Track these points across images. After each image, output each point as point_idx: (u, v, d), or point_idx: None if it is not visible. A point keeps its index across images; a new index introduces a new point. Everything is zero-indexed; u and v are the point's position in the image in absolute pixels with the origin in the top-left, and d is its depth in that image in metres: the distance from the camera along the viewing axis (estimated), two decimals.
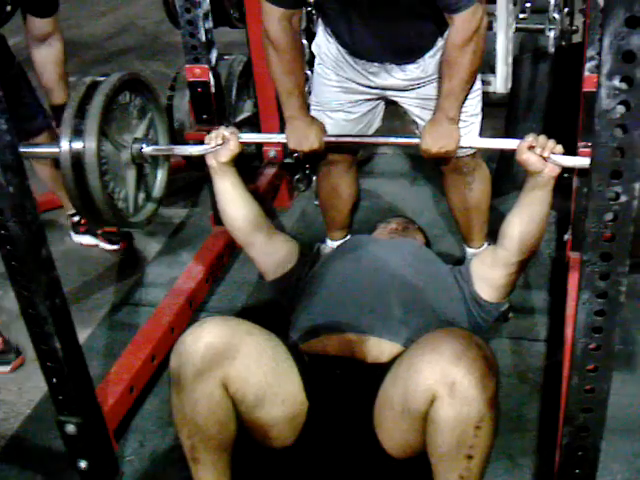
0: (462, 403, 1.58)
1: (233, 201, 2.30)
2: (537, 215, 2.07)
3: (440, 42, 2.36)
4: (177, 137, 3.29)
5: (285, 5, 2.29)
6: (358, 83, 2.51)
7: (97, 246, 3.28)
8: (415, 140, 2.27)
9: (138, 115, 2.36)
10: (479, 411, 1.59)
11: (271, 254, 2.33)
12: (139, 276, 3.10)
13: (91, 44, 6.25)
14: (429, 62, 2.41)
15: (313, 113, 2.60)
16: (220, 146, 2.25)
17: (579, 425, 1.64)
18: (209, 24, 2.66)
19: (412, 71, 2.43)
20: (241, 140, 2.27)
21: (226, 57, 3.30)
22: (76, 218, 3.27)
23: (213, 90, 2.76)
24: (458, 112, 2.31)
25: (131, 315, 2.84)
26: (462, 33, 2.18)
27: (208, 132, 2.69)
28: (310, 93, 2.70)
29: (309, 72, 2.82)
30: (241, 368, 1.75)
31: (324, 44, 2.53)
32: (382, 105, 2.64)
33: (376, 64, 2.43)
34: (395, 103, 2.60)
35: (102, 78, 2.20)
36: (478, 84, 2.46)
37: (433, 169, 3.66)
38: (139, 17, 6.73)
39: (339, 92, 2.56)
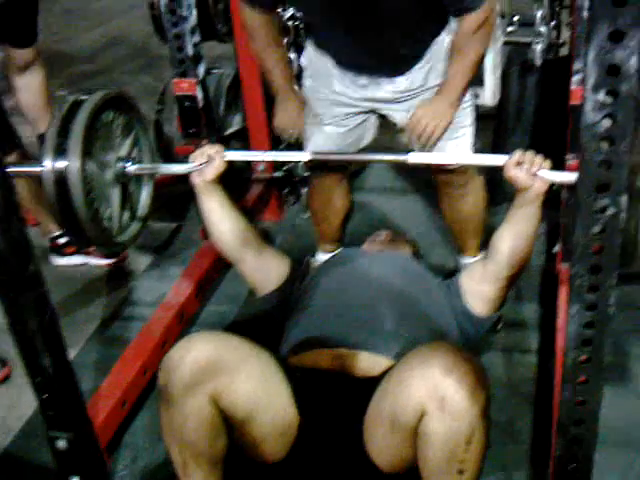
0: (452, 418, 1.58)
1: (221, 220, 2.27)
2: (526, 231, 2.06)
3: (428, 54, 2.39)
4: (166, 151, 3.31)
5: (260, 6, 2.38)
6: (348, 96, 2.52)
7: (86, 264, 3.24)
8: (403, 157, 2.26)
9: (122, 133, 2.34)
10: (470, 425, 1.59)
11: (261, 270, 2.33)
12: (129, 291, 3.09)
13: (80, 57, 6.24)
14: (417, 74, 2.43)
15: (306, 127, 2.62)
16: (205, 164, 2.23)
17: (571, 437, 1.65)
18: (197, 38, 2.66)
19: (401, 82, 2.45)
20: (226, 158, 2.26)
21: (214, 71, 3.31)
22: (62, 240, 3.20)
23: (201, 104, 2.76)
24: (457, 98, 2.37)
25: (121, 330, 2.83)
26: (474, 22, 2.22)
27: (197, 146, 2.71)
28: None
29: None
30: (230, 383, 1.74)
31: (313, 57, 2.54)
32: (374, 119, 2.65)
33: (365, 76, 2.45)
34: (385, 117, 2.62)
35: (85, 97, 2.18)
36: (469, 96, 2.48)
37: (424, 181, 3.70)
38: (128, 30, 6.72)
39: (330, 105, 2.56)
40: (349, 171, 2.87)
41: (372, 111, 2.60)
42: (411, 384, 1.64)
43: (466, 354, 1.67)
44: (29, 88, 2.78)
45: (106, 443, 2.14)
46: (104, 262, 3.21)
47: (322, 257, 2.97)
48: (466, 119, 2.51)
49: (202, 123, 2.78)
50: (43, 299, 1.78)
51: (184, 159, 2.90)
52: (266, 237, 3.42)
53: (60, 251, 3.23)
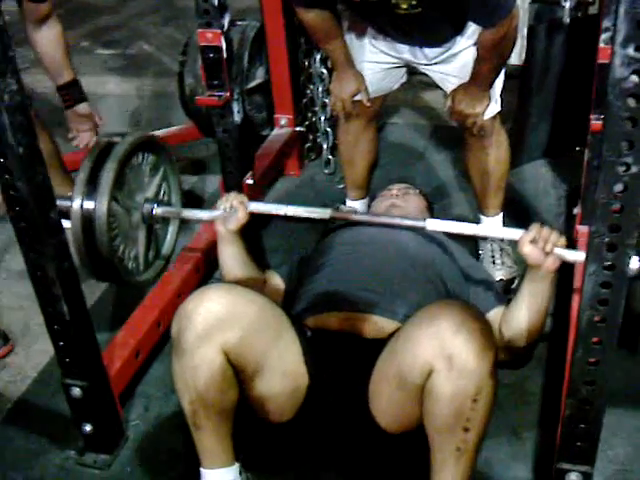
0: (460, 376, 1.58)
1: (235, 269, 2.30)
2: (538, 308, 2.03)
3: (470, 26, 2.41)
4: (188, 102, 3.29)
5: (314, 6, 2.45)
6: (386, 53, 2.60)
7: None
8: (421, 223, 2.23)
9: (150, 173, 2.37)
10: (477, 384, 1.59)
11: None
12: None
13: (103, 9, 6.22)
14: (456, 40, 2.45)
15: None
16: (229, 213, 2.27)
17: (582, 398, 1.64)
18: None
19: (441, 49, 2.49)
20: (249, 209, 2.28)
21: (239, 22, 3.28)
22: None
23: (225, 55, 2.73)
24: (488, 86, 2.43)
25: None
26: (492, 38, 2.24)
27: (219, 97, 2.70)
28: None
29: None
30: (242, 336, 1.75)
31: (352, 27, 2.62)
32: (404, 68, 2.71)
33: (406, 46, 2.53)
34: (417, 72, 2.70)
35: (117, 139, 2.22)
36: None
37: (445, 139, 3.68)
38: None
39: (369, 50, 2.63)
40: (378, 113, 2.89)
41: (406, 65, 2.68)
42: (419, 342, 1.64)
43: (475, 312, 1.66)
44: (47, 41, 2.77)
45: (119, 392, 2.15)
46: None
47: (350, 203, 3.02)
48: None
49: (225, 75, 2.75)
50: (63, 246, 1.79)
51: (204, 110, 2.91)
52: (286, 190, 3.42)
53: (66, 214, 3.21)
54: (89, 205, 2.10)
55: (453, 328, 1.59)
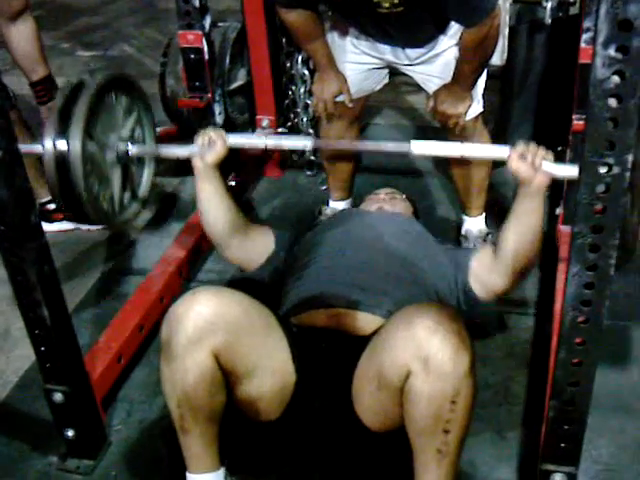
0: (436, 378, 1.58)
1: (215, 208, 2.27)
2: (531, 224, 2.03)
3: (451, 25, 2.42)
4: (170, 104, 3.27)
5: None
6: (368, 54, 2.60)
7: (77, 229, 3.14)
8: (405, 146, 2.23)
9: (124, 114, 2.33)
10: (454, 385, 1.58)
11: (248, 250, 2.35)
12: (129, 246, 3.08)
13: (84, 10, 6.18)
14: (438, 40, 2.46)
15: None
16: (207, 147, 2.22)
17: (566, 399, 1.65)
18: None
19: (423, 49, 2.50)
20: (228, 142, 2.25)
21: (220, 24, 3.26)
22: (52, 206, 3.11)
23: (206, 57, 2.72)
24: (473, 84, 2.44)
25: (121, 284, 2.83)
26: (473, 38, 2.26)
27: (200, 99, 2.68)
28: None
29: None
30: (232, 339, 1.75)
31: (336, 29, 2.62)
32: (386, 70, 2.70)
33: (388, 47, 2.53)
34: (399, 73, 2.70)
35: (88, 78, 2.18)
36: None
37: (427, 139, 3.67)
38: None
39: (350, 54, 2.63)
40: (360, 115, 2.87)
41: (387, 67, 2.67)
42: (396, 344, 1.64)
43: (451, 313, 1.65)
44: (21, 38, 2.74)
45: (102, 397, 2.14)
46: (94, 227, 3.12)
47: (333, 205, 3.02)
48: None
49: (207, 76, 2.75)
50: (43, 250, 1.77)
51: (186, 112, 2.90)
52: (268, 193, 3.41)
53: (49, 217, 3.14)
54: (62, 144, 2.06)
55: (429, 330, 1.58)
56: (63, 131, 2.06)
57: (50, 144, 2.06)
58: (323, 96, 2.64)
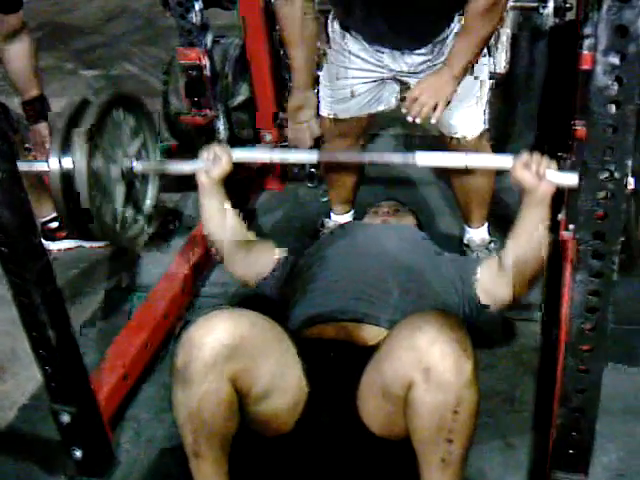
0: (438, 388, 1.58)
1: (219, 224, 2.30)
2: (535, 235, 2.04)
3: (448, 30, 2.38)
4: (172, 121, 3.28)
5: None
6: (367, 62, 2.52)
7: (80, 247, 3.16)
8: (410, 156, 2.23)
9: (130, 134, 2.35)
10: (456, 395, 1.58)
11: (251, 265, 2.36)
12: (132, 262, 3.07)
13: (86, 30, 6.21)
14: (438, 46, 2.41)
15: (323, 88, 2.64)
16: (212, 163, 2.24)
17: (574, 406, 1.64)
18: (199, 5, 2.63)
19: (422, 55, 2.44)
20: (233, 158, 2.26)
21: (221, 40, 3.27)
22: (54, 224, 3.14)
23: (208, 74, 2.73)
24: (460, 72, 2.29)
25: (125, 302, 2.82)
26: (483, 3, 2.17)
27: (203, 116, 2.69)
28: None
29: None
30: (249, 362, 1.74)
31: (337, 30, 2.54)
32: (394, 85, 2.61)
33: (388, 49, 2.45)
34: (404, 83, 2.59)
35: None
36: (483, 66, 2.46)
37: (428, 150, 3.67)
38: (133, 0, 6.68)
39: (347, 69, 2.56)
40: (365, 133, 2.83)
41: (391, 78, 2.57)
42: (398, 355, 1.64)
43: (453, 322, 1.65)
44: (17, 56, 2.75)
45: (109, 416, 2.13)
46: (97, 244, 3.10)
47: (335, 218, 3.00)
48: (477, 89, 2.48)
49: (208, 93, 2.75)
50: (46, 270, 1.77)
51: (189, 129, 2.90)
52: (270, 206, 3.41)
53: (52, 235, 3.16)
54: (67, 162, 2.05)
55: (429, 340, 1.58)
56: (68, 149, 2.06)
57: (55, 162, 2.06)
58: (303, 118, 2.50)
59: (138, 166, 2.32)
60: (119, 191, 2.29)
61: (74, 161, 2.05)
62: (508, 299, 2.16)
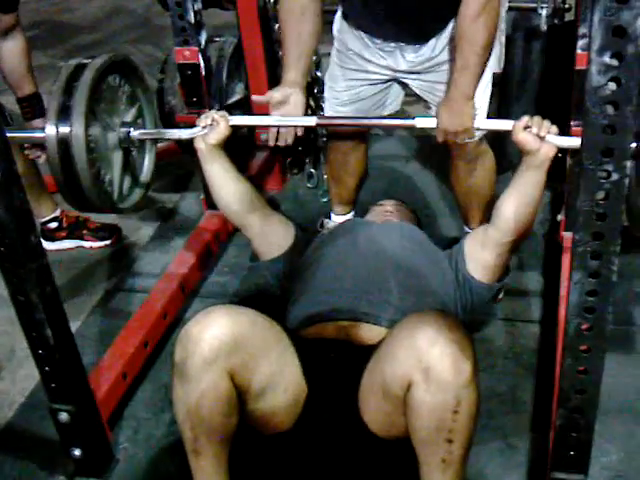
0: (437, 388, 1.57)
1: (225, 185, 2.26)
2: (530, 196, 2.05)
3: (451, 24, 2.35)
4: (168, 120, 3.28)
5: None
6: (372, 63, 2.50)
7: (79, 247, 3.18)
8: (410, 121, 2.24)
9: (127, 101, 2.33)
10: (455, 395, 1.58)
11: (267, 234, 2.31)
12: (131, 262, 3.08)
13: (82, 27, 6.20)
14: (439, 42, 2.39)
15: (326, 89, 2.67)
16: (209, 128, 2.22)
17: (573, 406, 1.64)
18: (198, 5, 2.63)
19: (424, 52, 2.42)
20: (231, 122, 2.24)
21: (216, 39, 3.27)
22: (53, 224, 3.15)
23: (203, 72, 2.73)
24: (473, 88, 2.26)
25: (124, 301, 2.82)
26: (474, 4, 2.15)
27: (199, 114, 2.68)
28: None
29: None
30: (248, 358, 1.74)
31: (341, 27, 2.54)
32: (396, 88, 2.62)
33: (391, 44, 2.43)
34: (406, 85, 2.59)
35: (89, 60, 2.18)
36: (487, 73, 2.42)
37: (428, 150, 3.68)
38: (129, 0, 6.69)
39: (352, 71, 2.56)
40: (368, 134, 2.84)
41: (393, 79, 2.57)
42: (397, 355, 1.64)
43: (452, 322, 1.65)
44: (10, 54, 2.75)
45: (108, 415, 2.13)
46: (97, 245, 3.18)
47: (336, 218, 3.00)
48: (482, 95, 2.45)
49: (204, 92, 2.75)
50: (44, 270, 1.77)
51: (187, 127, 2.89)
52: (272, 204, 3.41)
53: (51, 236, 3.16)
54: (65, 121, 2.05)
55: (429, 340, 1.58)
56: (65, 115, 2.06)
57: (52, 129, 2.05)
58: (281, 114, 2.39)
59: (135, 133, 2.31)
60: (116, 158, 2.29)
61: (71, 128, 2.04)
62: (494, 260, 2.16)
